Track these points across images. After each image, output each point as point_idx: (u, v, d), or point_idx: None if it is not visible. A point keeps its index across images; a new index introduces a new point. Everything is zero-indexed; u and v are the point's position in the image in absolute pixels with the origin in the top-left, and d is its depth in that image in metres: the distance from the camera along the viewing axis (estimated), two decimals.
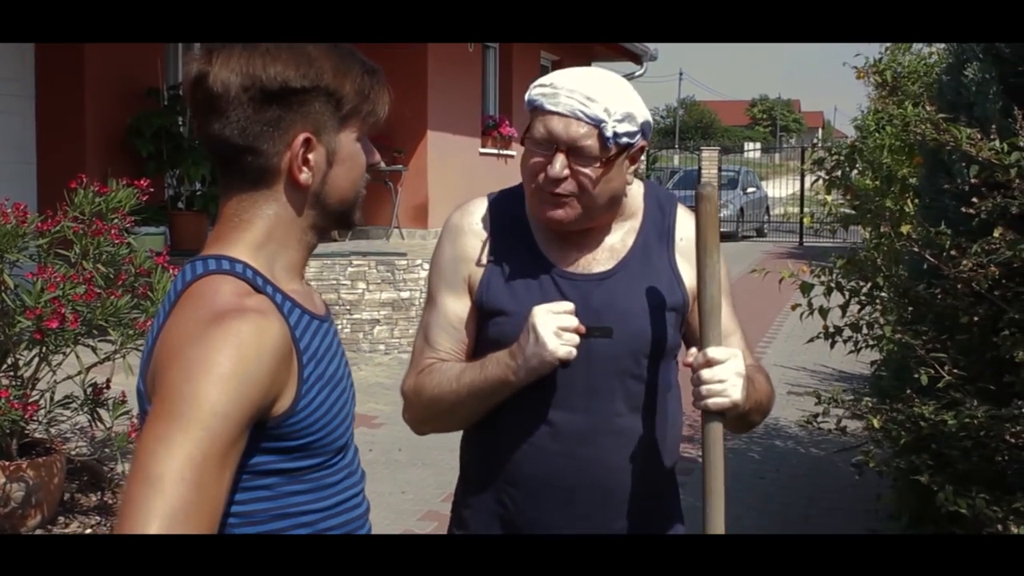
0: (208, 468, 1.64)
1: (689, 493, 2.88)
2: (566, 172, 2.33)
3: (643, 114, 2.38)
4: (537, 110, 2.36)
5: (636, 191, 2.53)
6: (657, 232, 2.52)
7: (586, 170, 2.33)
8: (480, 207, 2.54)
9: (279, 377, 1.75)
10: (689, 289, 2.48)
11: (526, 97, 2.40)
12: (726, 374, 2.27)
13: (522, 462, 2.45)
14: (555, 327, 2.28)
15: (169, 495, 1.60)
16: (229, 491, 1.72)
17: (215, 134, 1.84)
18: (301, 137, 1.83)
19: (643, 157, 2.52)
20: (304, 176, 1.85)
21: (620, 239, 2.50)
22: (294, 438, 1.80)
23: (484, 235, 2.50)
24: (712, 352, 2.28)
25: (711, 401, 2.27)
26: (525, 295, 2.42)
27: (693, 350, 2.36)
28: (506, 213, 2.51)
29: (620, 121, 2.32)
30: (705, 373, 2.27)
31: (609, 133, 2.31)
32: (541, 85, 2.36)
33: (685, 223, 2.54)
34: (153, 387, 1.74)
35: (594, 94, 2.31)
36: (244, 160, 1.84)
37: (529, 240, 2.48)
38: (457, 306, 2.49)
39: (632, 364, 2.44)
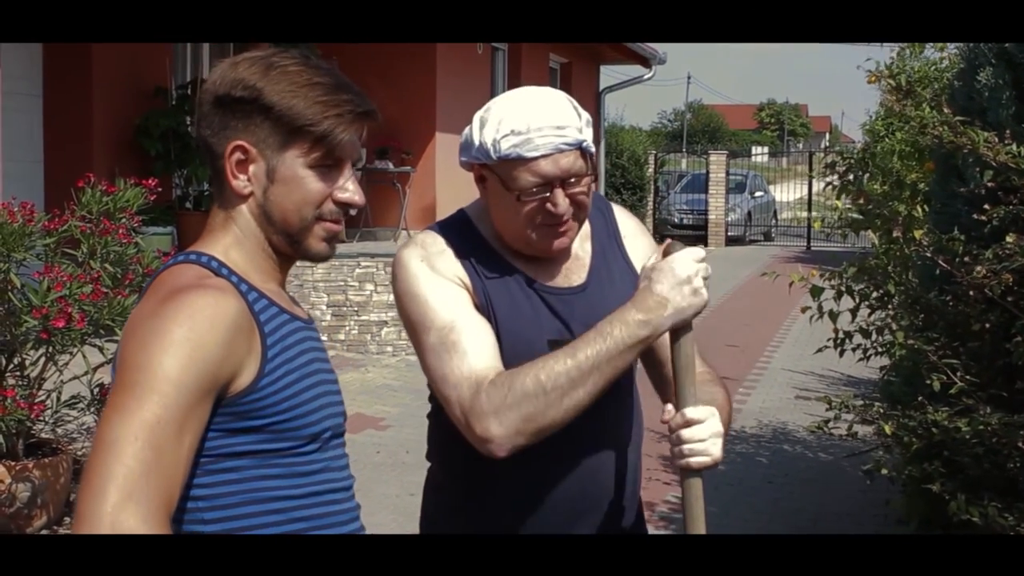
0: (163, 431, 1.68)
1: None
2: (567, 202, 2.33)
3: (583, 113, 2.39)
4: (516, 161, 2.30)
5: None
6: (605, 233, 2.56)
7: (582, 190, 2.34)
8: (433, 236, 2.45)
9: (236, 349, 1.79)
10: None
11: (493, 153, 2.31)
12: (706, 434, 2.25)
13: (527, 481, 2.42)
14: (696, 267, 2.27)
15: (124, 458, 1.64)
16: (192, 469, 1.76)
17: (195, 131, 1.98)
18: (233, 143, 1.90)
19: None
20: (238, 184, 1.92)
21: (580, 246, 2.51)
22: (258, 417, 1.82)
23: (453, 254, 2.41)
24: (691, 412, 2.25)
25: (693, 460, 2.25)
26: (518, 313, 2.40)
27: (669, 407, 2.31)
28: (464, 239, 2.45)
29: (585, 128, 2.34)
30: (685, 433, 2.25)
31: (588, 147, 2.34)
32: (506, 136, 2.29)
33: (623, 218, 2.61)
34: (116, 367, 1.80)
35: (559, 120, 2.30)
36: (207, 159, 1.96)
37: (500, 260, 2.44)
38: (481, 318, 2.36)
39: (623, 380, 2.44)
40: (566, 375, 2.19)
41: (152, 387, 1.69)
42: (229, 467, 1.82)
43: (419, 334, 2.35)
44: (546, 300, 2.42)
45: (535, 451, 2.28)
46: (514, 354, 2.31)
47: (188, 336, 1.72)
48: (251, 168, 1.91)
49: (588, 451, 2.43)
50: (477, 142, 2.34)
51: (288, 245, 1.96)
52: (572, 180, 2.32)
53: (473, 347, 2.28)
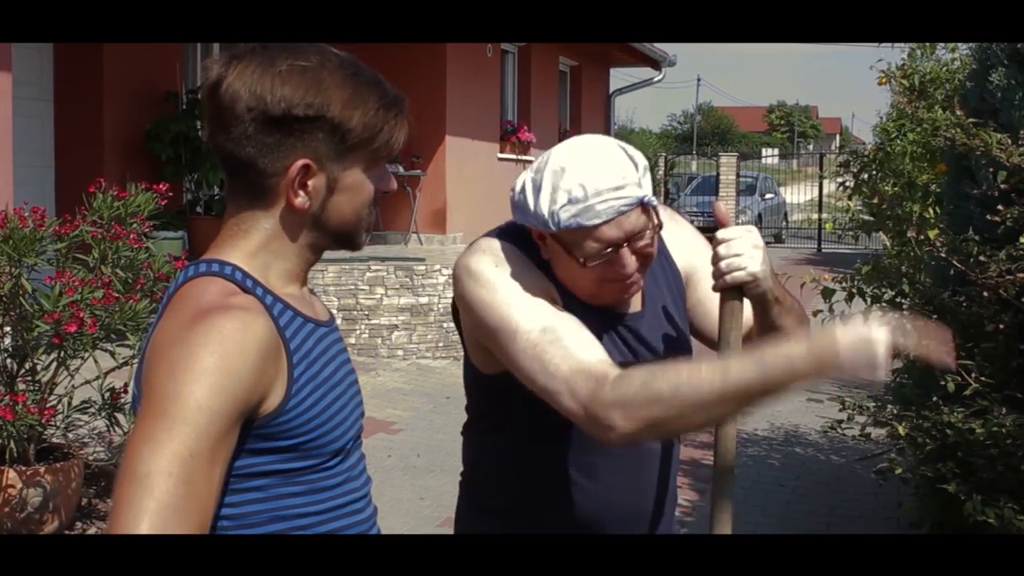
0: (196, 464, 1.65)
1: (709, 500, 2.85)
2: (635, 260, 2.26)
3: (638, 156, 2.30)
4: (577, 231, 2.22)
5: None
6: None
7: (647, 242, 2.26)
8: (501, 243, 2.34)
9: (265, 373, 1.75)
10: (683, 270, 2.48)
11: (552, 224, 2.22)
12: (741, 247, 2.22)
13: (582, 494, 2.38)
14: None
15: (157, 492, 1.62)
16: (220, 490, 1.73)
17: (220, 145, 1.86)
18: (299, 164, 1.83)
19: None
20: (300, 201, 1.85)
21: None
22: (285, 438, 1.80)
23: (529, 265, 2.32)
24: (722, 233, 2.23)
25: (728, 276, 2.23)
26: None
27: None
28: (525, 252, 2.34)
29: (644, 180, 2.25)
30: (721, 250, 2.23)
31: (650, 201, 2.25)
32: (564, 205, 2.20)
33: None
34: (142, 389, 1.76)
35: (615, 180, 2.20)
36: (245, 175, 1.86)
37: (552, 275, 2.34)
38: (570, 316, 2.24)
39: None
40: (715, 395, 2.03)
41: (183, 418, 1.66)
42: (253, 486, 1.80)
43: (508, 341, 2.21)
44: (611, 323, 2.37)
45: (599, 467, 2.30)
46: None
47: (218, 364, 1.69)
48: (311, 183, 1.85)
49: (646, 467, 2.41)
50: (532, 209, 2.24)
51: (336, 241, 1.92)
52: (641, 238, 2.24)
53: (577, 340, 2.17)
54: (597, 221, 2.19)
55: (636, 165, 2.24)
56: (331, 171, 1.86)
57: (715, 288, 2.29)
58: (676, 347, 2.43)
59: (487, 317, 2.25)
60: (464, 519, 2.57)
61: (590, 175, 2.19)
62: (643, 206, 2.23)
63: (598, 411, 2.08)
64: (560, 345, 2.15)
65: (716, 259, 2.25)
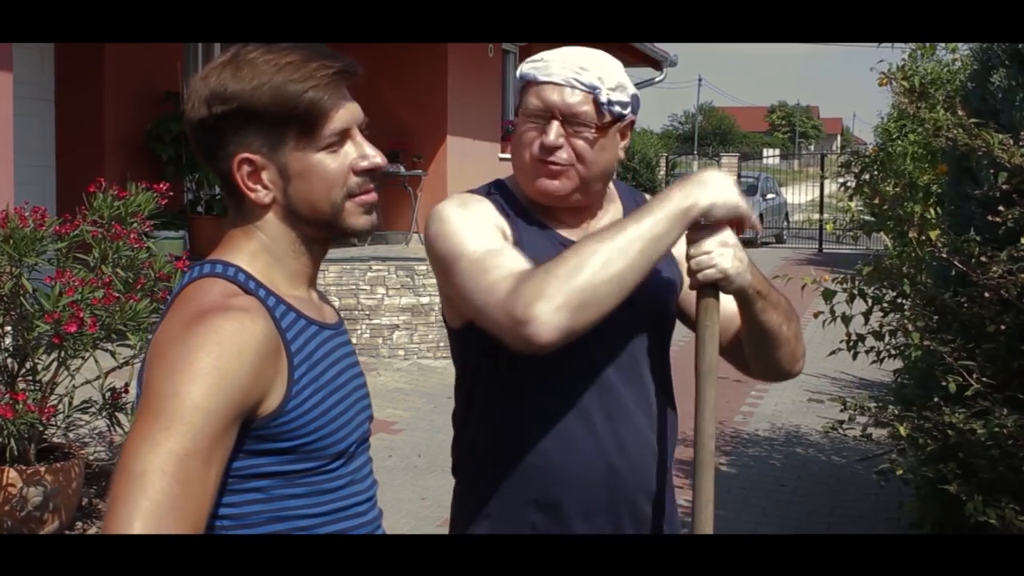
0: (191, 463, 1.66)
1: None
2: (561, 140, 2.33)
3: (632, 88, 2.40)
4: (530, 83, 2.35)
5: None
6: None
7: (582, 137, 2.33)
8: (470, 193, 2.46)
9: (263, 374, 1.75)
10: (679, 262, 2.47)
11: (518, 73, 2.40)
12: (710, 245, 2.25)
13: (565, 451, 2.36)
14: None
15: (152, 491, 1.63)
16: (219, 490, 1.74)
17: (195, 156, 1.93)
18: (236, 159, 1.85)
19: (630, 135, 2.49)
20: (257, 196, 1.87)
21: (611, 221, 2.43)
22: (285, 439, 1.80)
23: (491, 205, 2.40)
24: (691, 231, 2.25)
25: (700, 275, 2.26)
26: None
27: None
28: (504, 198, 2.46)
29: (613, 89, 2.33)
30: (691, 249, 2.26)
31: (604, 99, 2.32)
32: (533, 60, 2.36)
33: None
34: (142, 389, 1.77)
35: (587, 64, 2.32)
36: (219, 181, 1.90)
37: (534, 218, 2.43)
38: (515, 249, 2.27)
39: (659, 337, 2.47)
40: (605, 243, 2.12)
41: (180, 417, 1.66)
42: (254, 487, 1.80)
43: (454, 265, 2.24)
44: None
45: (572, 427, 2.32)
46: None
47: (215, 364, 1.69)
48: (264, 175, 1.85)
49: (622, 427, 2.39)
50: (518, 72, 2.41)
51: (325, 231, 1.91)
52: (575, 122, 2.32)
53: (512, 261, 2.19)
54: (544, 79, 2.32)
55: (615, 78, 2.34)
56: (277, 159, 1.85)
57: (691, 287, 2.34)
58: (659, 299, 2.46)
59: (440, 248, 2.29)
60: (454, 503, 2.55)
61: (572, 52, 2.35)
62: (597, 103, 2.32)
63: (516, 309, 2.07)
64: (497, 263, 2.18)
65: (687, 258, 2.29)
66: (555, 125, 2.32)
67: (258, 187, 1.86)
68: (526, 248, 2.30)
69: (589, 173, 2.37)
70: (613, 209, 2.50)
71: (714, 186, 2.22)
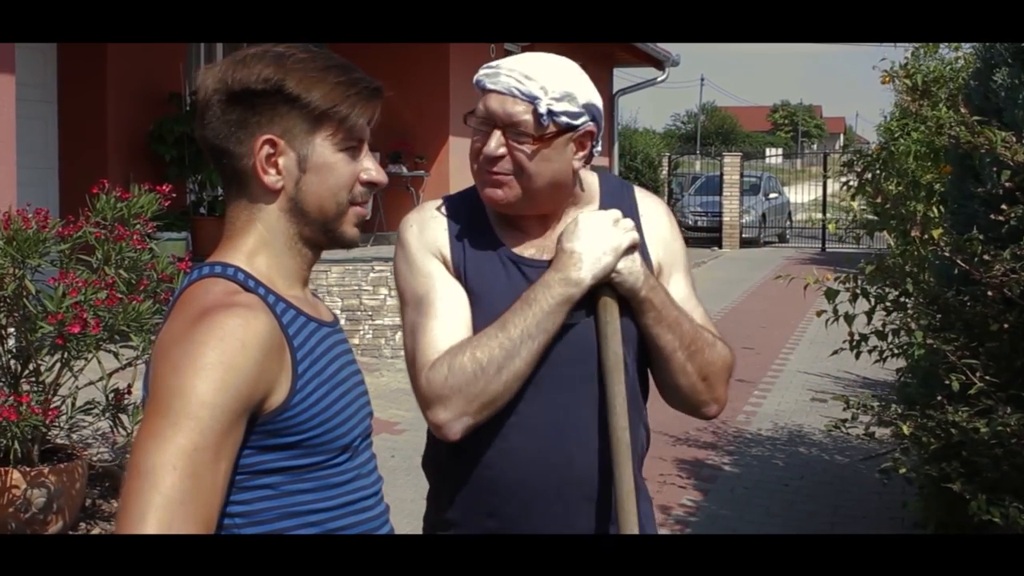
0: (200, 458, 1.68)
1: (713, 501, 2.85)
2: (502, 150, 2.34)
3: (587, 96, 2.36)
4: (480, 91, 2.37)
5: (591, 180, 2.54)
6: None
7: (521, 147, 2.33)
8: (433, 203, 2.53)
9: (268, 369, 1.78)
10: (655, 263, 2.48)
11: (474, 82, 2.40)
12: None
13: (513, 465, 2.37)
14: (610, 221, 2.35)
15: (163, 487, 1.65)
16: (228, 486, 1.76)
17: (200, 137, 1.94)
18: (262, 139, 1.87)
19: (595, 144, 2.44)
20: (270, 179, 1.89)
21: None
22: (291, 434, 1.82)
23: (445, 223, 2.47)
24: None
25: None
26: (494, 282, 2.41)
27: None
28: (462, 207, 2.50)
29: (557, 100, 2.31)
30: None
31: (543, 110, 2.30)
32: (487, 67, 2.37)
33: (646, 202, 2.57)
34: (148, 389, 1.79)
35: (533, 73, 2.31)
36: (222, 162, 1.91)
37: (488, 230, 2.46)
38: (455, 289, 2.40)
39: (632, 345, 2.45)
40: (499, 348, 2.26)
41: (187, 412, 1.68)
42: (263, 483, 1.81)
43: (400, 303, 2.45)
44: (524, 272, 2.42)
45: (511, 433, 2.35)
46: (487, 322, 2.33)
47: (220, 359, 1.71)
48: (281, 161, 1.88)
49: (569, 435, 2.38)
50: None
51: (323, 234, 1.94)
52: (515, 132, 2.32)
53: (436, 328, 2.34)
54: (491, 87, 2.33)
55: (565, 86, 2.33)
56: (299, 148, 1.89)
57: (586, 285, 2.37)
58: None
59: (395, 277, 2.48)
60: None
61: (525, 60, 2.35)
62: (536, 114, 2.30)
63: (425, 411, 2.31)
64: (424, 330, 2.35)
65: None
66: (496, 135, 2.34)
67: (272, 172, 1.88)
68: (470, 270, 2.41)
69: (531, 184, 2.36)
70: (587, 211, 2.47)
71: (588, 257, 2.32)
